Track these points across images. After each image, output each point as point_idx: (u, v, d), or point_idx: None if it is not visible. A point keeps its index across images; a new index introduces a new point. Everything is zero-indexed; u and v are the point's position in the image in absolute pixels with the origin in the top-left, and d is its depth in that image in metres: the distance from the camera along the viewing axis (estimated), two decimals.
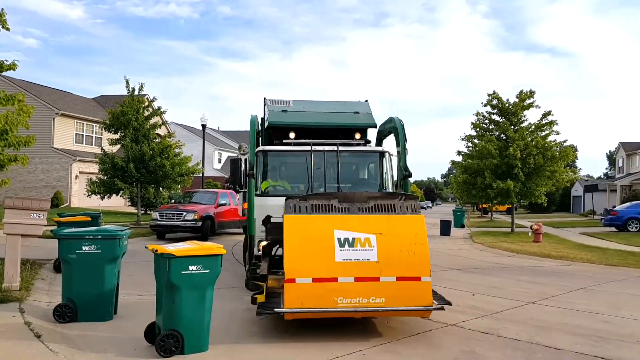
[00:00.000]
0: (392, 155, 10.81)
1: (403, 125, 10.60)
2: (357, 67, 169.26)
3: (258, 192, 9.68)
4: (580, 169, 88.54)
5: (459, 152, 28.36)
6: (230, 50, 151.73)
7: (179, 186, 28.73)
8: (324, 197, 7.09)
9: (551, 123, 26.30)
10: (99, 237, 7.50)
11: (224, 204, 22.04)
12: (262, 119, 11.78)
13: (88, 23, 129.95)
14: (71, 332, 6.92)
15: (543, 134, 26.32)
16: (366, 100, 12.62)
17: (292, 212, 6.91)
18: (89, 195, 28.62)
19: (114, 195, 26.97)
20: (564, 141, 26.69)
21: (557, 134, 26.54)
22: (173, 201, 26.34)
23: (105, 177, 26.33)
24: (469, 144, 28.13)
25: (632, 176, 51.21)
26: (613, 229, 29.18)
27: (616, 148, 62.12)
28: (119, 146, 27.11)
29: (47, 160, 36.24)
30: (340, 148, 10.39)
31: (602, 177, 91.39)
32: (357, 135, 11.16)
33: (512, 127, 26.85)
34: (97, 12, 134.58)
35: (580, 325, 7.78)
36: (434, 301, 6.70)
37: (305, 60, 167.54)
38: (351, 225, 6.73)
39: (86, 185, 28.71)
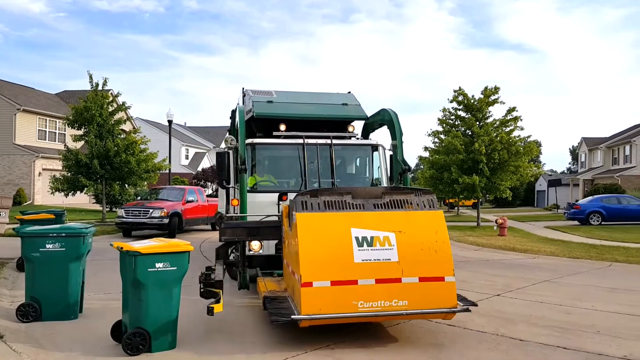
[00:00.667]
0: (385, 148, 10.59)
1: (398, 117, 10.31)
2: (326, 62, 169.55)
3: (247, 188, 9.25)
4: (544, 163, 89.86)
5: (426, 148, 28.60)
6: (197, 45, 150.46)
7: (145, 183, 28.40)
8: (337, 193, 6.61)
9: (515, 119, 26.67)
10: (63, 234, 7.39)
11: (192, 201, 21.90)
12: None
13: (50, 17, 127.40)
14: (35, 331, 6.81)
15: (507, 129, 26.66)
16: (349, 92, 12.27)
17: (303, 210, 6.36)
18: (52, 193, 28.14)
19: (78, 192, 26.56)
20: (528, 137, 27.18)
21: (522, 129, 26.93)
22: (139, 198, 26.07)
23: (69, 174, 25.90)
24: (436, 140, 28.37)
25: (594, 171, 52.36)
26: (576, 222, 29.76)
27: (579, 143, 63.31)
28: (83, 142, 26.67)
29: (8, 157, 35.50)
30: (334, 141, 10.05)
31: (565, 171, 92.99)
32: (350, 128, 10.84)
33: (478, 122, 27.14)
34: (59, 5, 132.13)
35: (544, 317, 7.92)
36: (459, 302, 6.37)
37: (273, 55, 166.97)
38: (368, 223, 6.29)
39: (50, 182, 28.25)
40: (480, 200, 29.89)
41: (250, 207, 8.90)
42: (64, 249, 7.35)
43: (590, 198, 32.60)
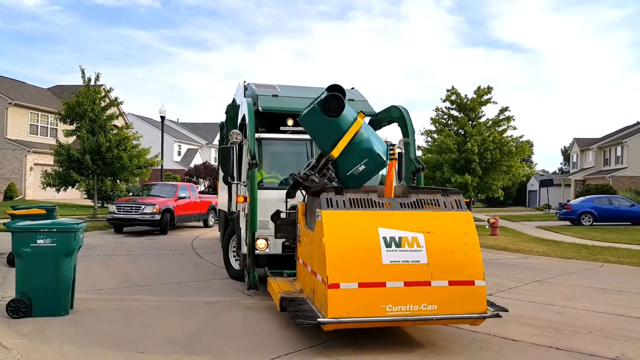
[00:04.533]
0: (395, 145, 10.35)
1: (409, 113, 9.92)
2: (322, 59, 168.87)
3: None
4: (536, 164, 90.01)
5: (419, 147, 28.61)
6: (192, 41, 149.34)
7: (137, 179, 28.33)
8: (362, 191, 6.37)
9: (508, 119, 26.77)
10: (54, 230, 7.33)
11: (184, 197, 21.83)
12: (238, 105, 10.90)
13: (45, 10, 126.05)
14: (25, 327, 6.76)
15: (500, 129, 26.76)
16: (353, 88, 11.85)
17: (329, 207, 6.05)
18: (44, 188, 28.00)
19: (70, 187, 26.48)
20: (521, 136, 27.35)
21: (514, 129, 27.05)
22: (131, 194, 25.97)
23: (60, 169, 25.80)
24: (429, 139, 28.48)
25: (586, 171, 52.62)
26: (567, 222, 29.87)
27: (570, 144, 63.61)
28: (74, 137, 26.57)
29: (0, 152, 35.28)
30: None
31: (557, 172, 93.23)
32: None
33: (470, 122, 27.23)
34: None
35: (536, 317, 7.94)
36: (488, 307, 6.19)
37: (269, 52, 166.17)
38: (396, 223, 6.03)
39: (41, 177, 28.09)
40: (472, 199, 29.99)
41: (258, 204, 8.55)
42: (55, 244, 7.29)
43: (582, 198, 32.74)
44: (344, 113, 7.07)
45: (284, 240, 8.32)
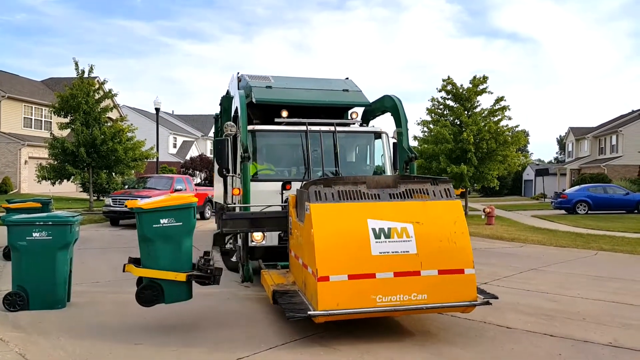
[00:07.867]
0: (388, 135, 10.33)
1: (402, 103, 9.96)
2: (320, 50, 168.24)
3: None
4: (532, 153, 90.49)
5: (415, 137, 28.64)
6: (189, 32, 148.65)
7: (133, 171, 28.27)
8: (351, 182, 6.31)
9: (504, 108, 26.75)
10: (50, 223, 7.34)
11: (180, 190, 21.78)
12: (232, 97, 10.80)
13: (40, 1, 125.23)
14: (22, 320, 6.78)
15: (496, 119, 26.76)
16: (347, 78, 11.91)
17: (317, 200, 6.01)
18: (39, 181, 27.91)
19: (65, 180, 26.39)
20: (516, 126, 27.33)
21: (510, 119, 27.05)
22: (127, 187, 25.93)
23: (55, 162, 25.71)
24: (425, 129, 28.44)
25: (581, 160, 52.78)
26: (563, 211, 29.98)
27: (566, 133, 63.77)
28: (69, 130, 26.50)
29: None
30: (338, 128, 9.74)
31: (553, 161, 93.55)
32: (354, 115, 10.54)
33: (466, 112, 27.19)
34: None
35: (531, 305, 7.99)
36: (478, 295, 6.20)
37: (266, 43, 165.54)
38: (385, 214, 6.02)
39: (36, 170, 28.02)
40: (468, 189, 30.03)
41: (251, 196, 8.51)
42: (50, 237, 7.30)
43: (577, 187, 32.84)
44: None
45: (280, 232, 8.33)
